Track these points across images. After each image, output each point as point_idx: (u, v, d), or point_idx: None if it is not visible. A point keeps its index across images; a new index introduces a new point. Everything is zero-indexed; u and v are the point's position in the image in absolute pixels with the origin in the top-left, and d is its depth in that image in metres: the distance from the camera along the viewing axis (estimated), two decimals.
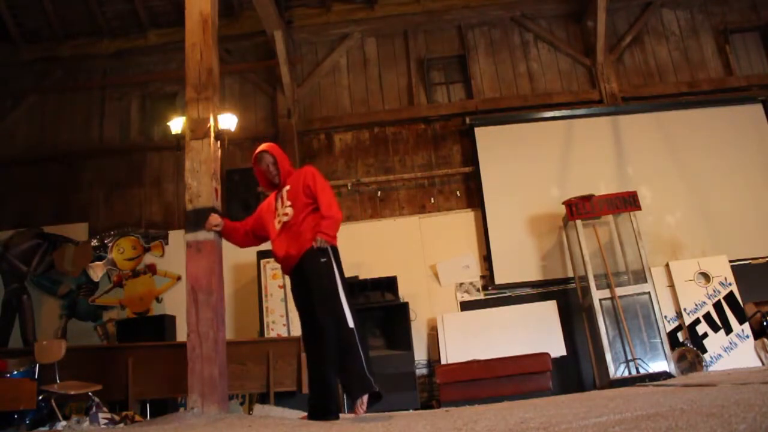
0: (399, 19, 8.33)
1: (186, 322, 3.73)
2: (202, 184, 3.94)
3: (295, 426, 2.80)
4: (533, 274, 7.25)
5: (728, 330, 6.54)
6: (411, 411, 5.54)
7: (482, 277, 7.34)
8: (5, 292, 7.50)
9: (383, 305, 6.57)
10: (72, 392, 4.75)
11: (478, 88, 8.13)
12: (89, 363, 5.37)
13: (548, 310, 6.92)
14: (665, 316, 6.64)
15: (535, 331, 6.70)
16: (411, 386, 6.19)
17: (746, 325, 6.53)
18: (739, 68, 8.12)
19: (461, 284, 7.31)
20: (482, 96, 8.10)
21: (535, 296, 7.17)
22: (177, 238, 7.46)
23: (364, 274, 6.85)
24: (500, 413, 2.40)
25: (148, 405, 5.64)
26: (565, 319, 6.88)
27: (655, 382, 5.27)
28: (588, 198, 6.73)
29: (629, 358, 6.25)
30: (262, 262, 7.10)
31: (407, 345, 6.37)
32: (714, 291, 6.70)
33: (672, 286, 6.84)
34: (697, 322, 6.64)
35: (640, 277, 6.57)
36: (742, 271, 6.90)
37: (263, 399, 5.53)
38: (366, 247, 7.26)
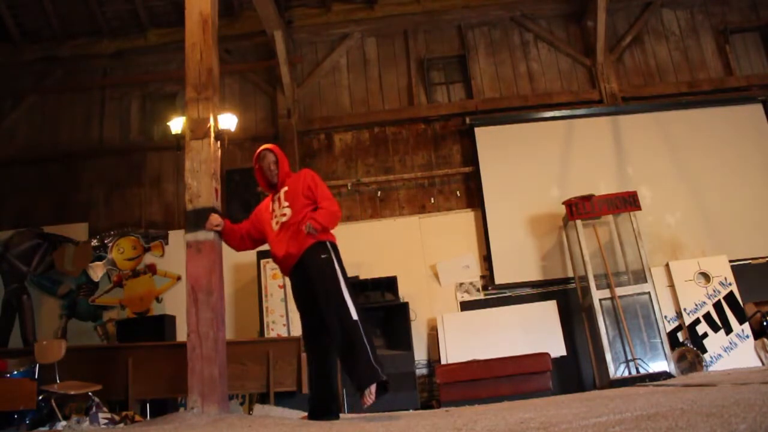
0: (399, 19, 8.33)
1: (186, 322, 3.73)
2: (202, 184, 3.94)
3: (295, 426, 2.80)
4: (533, 274, 7.25)
5: (728, 330, 6.54)
6: (411, 411, 5.54)
7: (482, 277, 7.34)
8: (5, 292, 7.50)
9: (383, 305, 6.57)
10: (72, 392, 4.74)
11: (478, 88, 8.14)
12: (89, 363, 5.37)
13: (548, 310, 6.92)
14: (665, 316, 6.64)
15: (535, 331, 6.70)
16: (411, 386, 6.19)
17: (746, 325, 6.53)
18: (739, 68, 8.12)
19: (461, 284, 7.31)
20: (482, 96, 8.10)
21: (535, 296, 7.17)
22: (177, 238, 7.46)
23: (364, 274, 6.85)
24: (500, 413, 2.40)
25: (148, 405, 5.63)
26: (565, 319, 6.88)
27: (655, 382, 5.27)
28: (588, 198, 6.73)
29: (629, 358, 6.25)
30: (262, 262, 7.10)
31: (407, 345, 6.37)
32: (714, 291, 6.70)
33: (672, 286, 6.84)
34: (697, 322, 6.64)
35: (640, 277, 6.57)
36: (742, 271, 6.90)
37: (263, 399, 5.53)
38: (366, 247, 7.26)
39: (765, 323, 6.50)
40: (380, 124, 8.04)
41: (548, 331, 6.74)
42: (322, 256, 3.30)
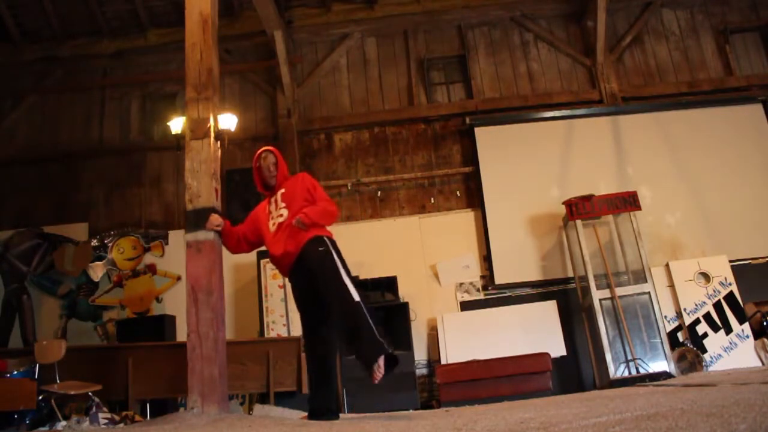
0: (399, 19, 8.33)
1: (186, 322, 3.73)
2: (202, 184, 3.94)
3: (295, 426, 2.80)
4: (533, 274, 7.25)
5: (728, 330, 6.54)
6: (411, 411, 5.54)
7: (482, 277, 7.34)
8: (5, 292, 7.50)
9: (383, 305, 6.57)
10: (72, 392, 4.74)
11: (478, 88, 8.14)
12: (89, 363, 5.37)
13: (548, 310, 6.92)
14: (665, 316, 6.63)
15: (535, 331, 6.70)
16: (411, 386, 6.19)
17: (746, 325, 6.53)
18: (739, 68, 8.12)
19: (461, 284, 7.31)
20: (482, 96, 8.10)
21: (535, 296, 7.17)
22: (177, 238, 7.46)
23: (364, 274, 6.85)
24: (500, 413, 2.40)
25: (148, 405, 5.63)
26: (565, 319, 6.88)
27: (655, 382, 5.27)
28: (588, 198, 6.73)
29: (629, 358, 6.25)
30: (262, 262, 7.10)
31: (407, 345, 6.37)
32: (714, 291, 6.70)
33: (672, 286, 6.84)
34: (697, 322, 6.63)
35: (640, 277, 6.57)
36: (742, 271, 6.90)
37: (263, 399, 5.53)
38: (366, 247, 7.26)
39: (765, 323, 6.50)
40: (380, 124, 8.04)
41: (548, 331, 6.74)
42: (320, 249, 3.33)
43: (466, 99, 8.15)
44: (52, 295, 7.53)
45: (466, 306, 7.19)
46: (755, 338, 6.48)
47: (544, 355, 6.10)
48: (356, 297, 3.18)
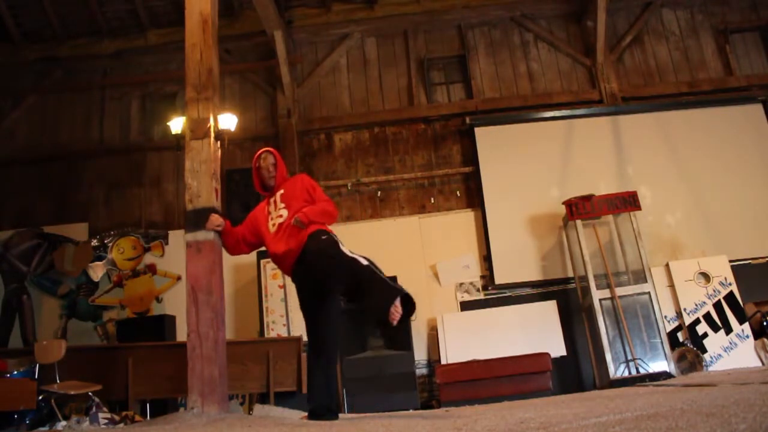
0: (399, 19, 8.33)
1: (186, 322, 3.73)
2: (202, 184, 3.94)
3: (295, 426, 2.80)
4: (533, 274, 7.25)
5: (728, 330, 6.54)
6: (411, 411, 5.55)
7: (482, 277, 7.34)
8: (5, 292, 7.50)
9: None
10: (72, 392, 4.75)
11: (478, 88, 8.14)
12: (89, 363, 5.37)
13: (548, 310, 6.92)
14: (665, 316, 6.63)
15: (535, 331, 6.69)
16: (411, 386, 6.19)
17: (746, 325, 6.53)
18: (739, 68, 8.12)
19: (461, 284, 7.31)
20: (482, 96, 8.10)
21: (535, 296, 7.17)
22: (177, 238, 7.46)
23: None
24: (500, 413, 2.40)
25: (148, 405, 5.63)
26: (565, 319, 6.88)
27: (655, 382, 5.28)
28: (588, 198, 6.73)
29: (629, 358, 6.25)
30: (262, 262, 7.10)
31: (407, 345, 6.37)
32: (714, 291, 6.70)
33: (672, 286, 6.84)
34: (697, 322, 6.63)
35: (640, 277, 6.57)
36: (742, 271, 6.90)
37: (263, 399, 5.52)
38: (366, 247, 7.15)
39: (765, 323, 6.50)
40: (380, 124, 8.04)
41: (548, 331, 6.74)
42: (323, 237, 3.36)
43: (466, 99, 8.15)
44: (52, 295, 7.53)
45: (466, 306, 7.19)
46: (755, 338, 6.48)
47: (544, 355, 6.10)
48: (365, 262, 3.19)
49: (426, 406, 6.41)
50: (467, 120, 7.81)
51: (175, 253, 7.43)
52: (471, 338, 6.67)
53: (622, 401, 2.39)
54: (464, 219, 7.59)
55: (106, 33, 8.31)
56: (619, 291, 6.48)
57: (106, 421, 4.49)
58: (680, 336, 6.67)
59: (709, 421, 1.29)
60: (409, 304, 3.03)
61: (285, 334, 6.72)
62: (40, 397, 4.72)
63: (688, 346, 6.50)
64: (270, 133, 7.98)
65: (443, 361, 6.56)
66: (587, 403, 2.54)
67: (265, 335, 6.84)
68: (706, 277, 6.79)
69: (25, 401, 4.50)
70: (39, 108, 8.36)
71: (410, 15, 8.32)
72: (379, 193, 7.73)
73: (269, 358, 5.47)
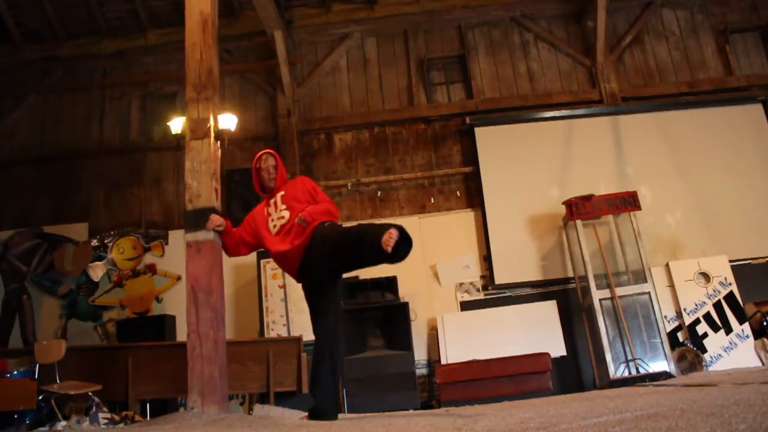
0: (399, 19, 8.33)
1: (186, 322, 3.72)
2: (202, 184, 3.93)
3: (295, 426, 2.80)
4: (533, 274, 7.25)
5: (728, 330, 6.54)
6: (411, 411, 5.54)
7: (482, 277, 7.34)
8: (5, 292, 7.50)
9: (383, 305, 6.57)
10: (72, 392, 4.74)
11: (478, 88, 8.14)
12: (89, 363, 5.36)
13: (548, 310, 6.92)
14: (665, 316, 6.63)
15: (535, 331, 6.70)
16: (411, 386, 6.18)
17: (746, 325, 6.53)
18: (739, 68, 8.12)
19: (461, 284, 7.32)
20: (482, 96, 8.10)
21: (535, 296, 7.17)
22: (177, 238, 7.46)
23: (364, 274, 6.82)
24: (500, 413, 2.40)
25: (148, 405, 5.63)
26: (565, 319, 6.88)
27: (655, 382, 5.28)
28: (588, 198, 6.73)
29: (629, 358, 6.25)
30: (262, 262, 7.10)
31: (407, 345, 6.37)
32: (714, 291, 6.70)
33: (672, 286, 6.84)
34: (697, 322, 6.63)
35: (640, 277, 6.58)
36: (742, 271, 6.90)
37: (263, 399, 5.52)
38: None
39: (765, 323, 6.50)
40: (380, 124, 8.04)
41: (548, 331, 6.74)
42: (326, 224, 3.41)
43: (466, 99, 8.15)
44: (52, 295, 7.53)
45: (466, 306, 7.19)
46: (755, 338, 6.48)
47: (544, 355, 6.10)
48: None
49: (426, 406, 6.41)
50: (467, 120, 7.81)
51: (175, 253, 7.43)
52: (471, 338, 6.67)
53: (622, 401, 2.39)
54: (464, 219, 7.59)
55: (106, 33, 8.31)
56: (619, 291, 6.49)
57: (106, 421, 4.48)
58: (680, 336, 6.67)
59: (709, 421, 1.29)
60: (405, 243, 2.96)
61: (285, 334, 6.72)
62: (40, 397, 4.71)
63: (688, 346, 6.50)
64: (270, 133, 7.99)
65: (443, 361, 6.56)
66: (587, 403, 2.54)
67: (265, 335, 6.84)
68: (706, 277, 6.79)
69: (25, 401, 4.50)
70: (39, 108, 8.36)
71: (410, 15, 8.32)
72: (379, 193, 7.73)
73: (269, 358, 5.47)
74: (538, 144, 7.66)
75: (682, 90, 7.96)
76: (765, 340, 6.40)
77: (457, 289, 7.30)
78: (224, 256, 3.97)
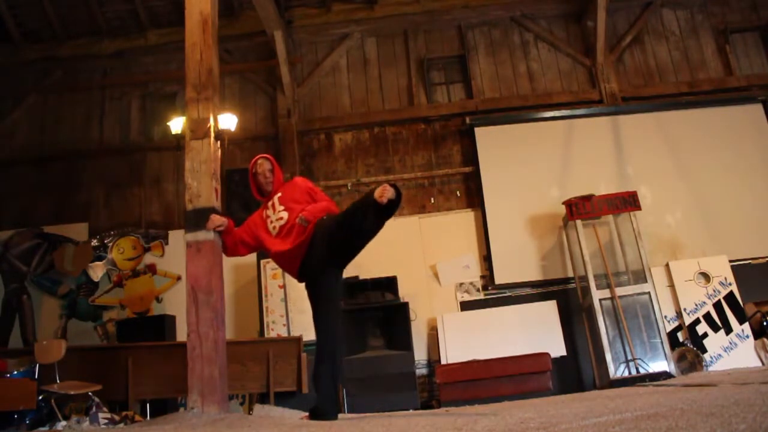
0: (399, 19, 8.33)
1: (186, 322, 3.72)
2: (202, 184, 3.93)
3: (295, 426, 2.80)
4: (533, 274, 7.25)
5: (728, 330, 6.54)
6: (411, 411, 5.54)
7: (482, 277, 7.34)
8: (5, 292, 7.50)
9: (383, 305, 6.57)
10: (72, 392, 4.74)
11: (478, 88, 8.14)
12: (89, 363, 5.37)
13: (548, 310, 6.92)
14: (665, 316, 6.63)
15: (535, 331, 6.70)
16: (411, 386, 6.18)
17: (746, 325, 6.53)
18: (739, 68, 8.12)
19: (461, 284, 7.31)
20: (482, 96, 8.10)
21: (535, 296, 7.17)
22: (177, 238, 7.46)
23: (364, 274, 6.85)
24: (500, 413, 2.40)
25: (148, 405, 5.63)
26: (565, 319, 6.88)
27: (655, 382, 5.27)
28: (588, 198, 6.73)
29: (629, 358, 6.25)
30: (262, 262, 7.10)
31: (407, 345, 6.37)
32: (714, 291, 6.70)
33: (672, 286, 6.84)
34: (697, 322, 6.63)
35: (640, 277, 6.58)
36: (742, 271, 6.90)
37: (263, 399, 5.53)
38: (366, 247, 7.23)
39: (765, 323, 6.50)
40: (380, 124, 8.04)
41: (548, 331, 6.74)
42: (324, 218, 3.45)
43: (466, 99, 8.15)
44: (52, 295, 7.53)
45: (466, 306, 7.19)
46: (755, 338, 6.48)
47: (544, 355, 6.11)
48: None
49: (426, 406, 6.41)
50: (467, 120, 7.81)
51: (175, 253, 7.43)
52: (471, 338, 6.67)
53: (622, 401, 2.39)
54: (464, 219, 7.59)
55: (106, 33, 8.31)
56: (619, 291, 6.49)
57: (106, 421, 4.48)
58: (680, 336, 6.67)
59: (709, 421, 1.29)
60: (396, 197, 3.29)
61: (285, 334, 6.72)
62: (40, 397, 4.71)
63: (688, 346, 6.50)
64: (270, 133, 7.99)
65: (443, 361, 6.56)
66: (587, 403, 2.54)
67: (265, 335, 6.84)
68: (706, 277, 6.79)
69: (25, 401, 4.50)
70: (39, 108, 8.36)
71: (410, 15, 8.32)
72: None
73: (269, 358, 5.47)
74: (538, 144, 7.66)
75: (682, 90, 7.96)
76: (765, 340, 6.40)
77: (457, 289, 7.30)
78: (224, 256, 3.97)
